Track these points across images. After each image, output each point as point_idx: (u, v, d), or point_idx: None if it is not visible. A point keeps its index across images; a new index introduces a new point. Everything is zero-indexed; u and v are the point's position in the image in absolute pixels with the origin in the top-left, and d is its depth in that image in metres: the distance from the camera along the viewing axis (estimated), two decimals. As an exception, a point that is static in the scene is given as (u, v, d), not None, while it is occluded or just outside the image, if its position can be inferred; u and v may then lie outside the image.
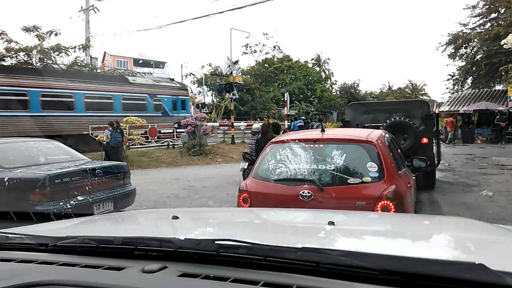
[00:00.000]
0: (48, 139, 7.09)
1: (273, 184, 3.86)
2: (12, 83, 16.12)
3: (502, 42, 17.95)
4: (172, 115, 21.64)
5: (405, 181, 4.04)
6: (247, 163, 8.15)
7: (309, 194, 3.57)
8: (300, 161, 3.84)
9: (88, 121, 17.84)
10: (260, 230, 1.91)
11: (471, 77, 29.64)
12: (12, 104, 16.24)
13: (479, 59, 27.05)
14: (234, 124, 22.35)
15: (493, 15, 26.17)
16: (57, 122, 16.95)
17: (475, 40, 26.83)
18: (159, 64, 54.90)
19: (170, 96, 21.71)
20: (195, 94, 43.09)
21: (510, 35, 17.77)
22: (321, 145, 3.97)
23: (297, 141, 4.01)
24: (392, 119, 8.40)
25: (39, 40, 22.72)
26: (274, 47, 42.62)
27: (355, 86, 48.75)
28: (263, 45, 41.84)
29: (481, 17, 26.88)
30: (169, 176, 12.03)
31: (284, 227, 2.01)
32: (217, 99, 39.82)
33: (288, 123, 21.24)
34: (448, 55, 28.58)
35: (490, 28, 25.21)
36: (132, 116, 18.04)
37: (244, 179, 5.19)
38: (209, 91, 42.00)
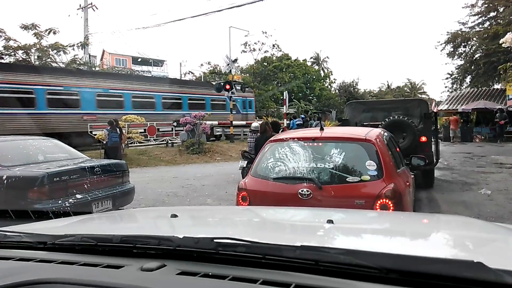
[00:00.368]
0: (47, 138, 7.07)
1: (272, 182, 3.86)
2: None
3: (501, 41, 18.00)
4: (242, 113, 26.73)
5: (403, 180, 4.05)
6: (246, 162, 8.15)
7: (308, 193, 3.57)
8: (299, 160, 3.84)
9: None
10: (259, 229, 1.91)
11: (469, 76, 29.71)
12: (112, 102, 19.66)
13: (478, 58, 27.11)
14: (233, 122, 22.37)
15: (492, 14, 26.22)
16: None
17: (474, 38, 26.89)
18: (158, 63, 54.80)
19: (241, 98, 26.30)
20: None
21: (508, 33, 17.83)
22: (320, 144, 3.97)
23: (296, 139, 4.02)
24: (391, 117, 8.41)
25: (37, 38, 22.67)
26: (273, 45, 42.51)
27: (354, 85, 48.75)
28: (262, 43, 41.71)
29: (480, 15, 26.92)
30: (168, 175, 12.03)
31: (283, 225, 2.01)
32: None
33: (287, 122, 21.25)
34: (447, 53, 28.65)
35: (489, 27, 25.26)
36: (217, 113, 22.85)
37: (243, 178, 5.20)
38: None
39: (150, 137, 19.33)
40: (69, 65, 24.63)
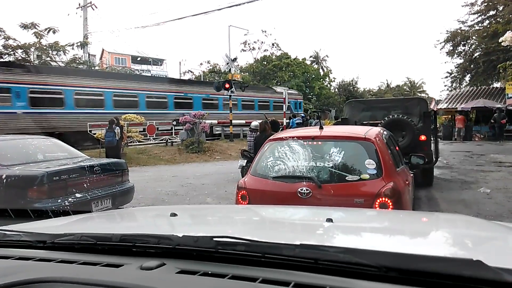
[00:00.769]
0: (46, 137, 7.06)
1: (271, 181, 3.86)
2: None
3: (500, 40, 18.01)
4: (293, 113, 28.82)
5: (403, 178, 4.05)
6: (245, 161, 8.14)
7: (308, 191, 3.57)
8: (299, 158, 3.85)
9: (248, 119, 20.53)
10: (258, 227, 1.92)
11: (469, 75, 29.73)
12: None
13: (477, 57, 27.13)
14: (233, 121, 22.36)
15: (491, 13, 26.22)
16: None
17: (474, 37, 26.90)
18: (158, 62, 54.68)
19: (293, 100, 31.06)
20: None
21: (508, 32, 17.83)
22: (320, 143, 3.98)
23: (295, 138, 4.02)
24: (391, 116, 8.41)
25: (37, 37, 22.64)
26: (273, 44, 42.53)
27: (354, 84, 48.78)
28: (262, 42, 41.75)
29: (479, 14, 26.93)
30: (168, 174, 12.03)
31: (283, 224, 2.01)
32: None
33: (287, 121, 21.26)
34: (447, 52, 28.67)
35: (488, 26, 25.25)
36: (272, 113, 23.65)
37: (242, 177, 5.20)
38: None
39: (149, 136, 19.34)
40: (68, 65, 24.61)
